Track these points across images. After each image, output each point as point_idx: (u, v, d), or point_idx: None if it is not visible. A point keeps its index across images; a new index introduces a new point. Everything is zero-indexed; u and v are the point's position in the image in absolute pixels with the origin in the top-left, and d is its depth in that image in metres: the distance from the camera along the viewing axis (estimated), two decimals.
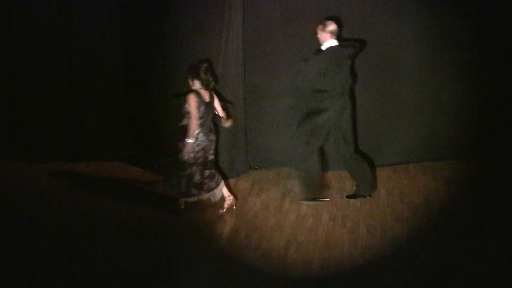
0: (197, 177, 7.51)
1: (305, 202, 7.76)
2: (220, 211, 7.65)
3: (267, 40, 8.57)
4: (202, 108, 7.39)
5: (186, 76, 7.52)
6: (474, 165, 8.77)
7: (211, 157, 7.58)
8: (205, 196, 7.60)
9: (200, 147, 7.44)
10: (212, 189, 7.57)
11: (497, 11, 8.40)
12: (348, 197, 7.92)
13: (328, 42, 7.51)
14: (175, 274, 6.39)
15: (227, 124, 7.69)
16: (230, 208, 7.68)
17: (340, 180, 8.38)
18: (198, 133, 7.41)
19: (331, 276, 6.22)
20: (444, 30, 8.49)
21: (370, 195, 7.88)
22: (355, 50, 7.68)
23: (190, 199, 7.59)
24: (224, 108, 7.70)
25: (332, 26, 7.48)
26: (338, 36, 7.56)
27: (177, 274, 6.42)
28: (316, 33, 7.55)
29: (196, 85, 7.47)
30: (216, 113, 7.59)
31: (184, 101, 7.41)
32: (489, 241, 6.74)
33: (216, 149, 7.68)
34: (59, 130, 9.28)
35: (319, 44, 7.57)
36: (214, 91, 7.63)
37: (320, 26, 7.52)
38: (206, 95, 7.46)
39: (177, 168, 7.51)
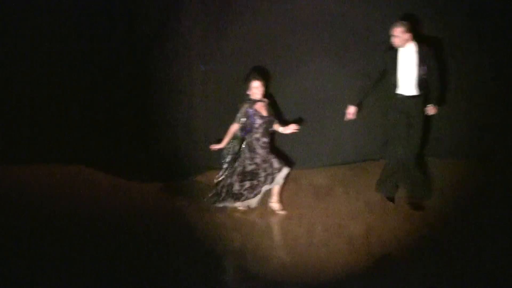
0: (236, 187, 7.55)
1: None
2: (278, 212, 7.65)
3: (238, 42, 8.53)
4: (254, 120, 7.52)
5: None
6: (429, 161, 8.88)
7: (251, 167, 7.58)
8: (237, 204, 7.63)
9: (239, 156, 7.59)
10: (248, 199, 7.58)
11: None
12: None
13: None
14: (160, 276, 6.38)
15: (287, 131, 7.70)
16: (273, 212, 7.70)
17: (296, 179, 8.45)
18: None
19: (288, 274, 6.27)
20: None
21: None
22: None
23: (221, 205, 7.63)
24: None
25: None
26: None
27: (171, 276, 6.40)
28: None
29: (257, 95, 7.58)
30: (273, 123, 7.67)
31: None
32: (445, 237, 6.88)
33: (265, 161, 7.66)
34: (19, 131, 9.11)
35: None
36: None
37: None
38: (262, 108, 7.58)
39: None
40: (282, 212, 7.60)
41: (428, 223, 7.20)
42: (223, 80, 8.54)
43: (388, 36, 7.51)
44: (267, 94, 7.72)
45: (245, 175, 7.54)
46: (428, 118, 7.79)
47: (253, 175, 7.54)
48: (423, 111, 7.60)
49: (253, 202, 7.58)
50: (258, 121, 7.52)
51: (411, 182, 7.71)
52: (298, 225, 7.27)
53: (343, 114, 7.76)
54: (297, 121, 7.95)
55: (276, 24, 8.43)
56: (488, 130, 8.70)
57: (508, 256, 6.45)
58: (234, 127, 7.56)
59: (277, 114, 8.06)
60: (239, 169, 7.56)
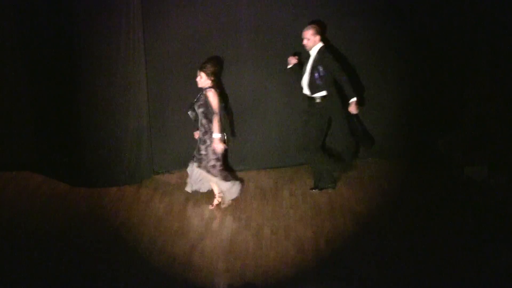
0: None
1: None
2: (210, 207, 7.72)
3: (170, 43, 8.49)
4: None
5: (200, 72, 7.56)
6: (376, 163, 8.98)
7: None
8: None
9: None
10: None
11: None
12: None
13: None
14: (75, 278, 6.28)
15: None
16: (218, 206, 7.76)
17: (243, 182, 8.42)
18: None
19: (236, 277, 6.24)
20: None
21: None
22: None
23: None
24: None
25: None
26: None
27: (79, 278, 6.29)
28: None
29: (210, 82, 7.55)
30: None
31: (205, 97, 7.49)
32: (391, 238, 6.94)
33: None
34: None
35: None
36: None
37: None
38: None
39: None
40: (211, 207, 7.75)
41: (375, 225, 7.26)
42: (164, 80, 8.53)
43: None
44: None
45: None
46: (356, 119, 8.07)
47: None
48: (321, 112, 7.85)
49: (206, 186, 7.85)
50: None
51: (317, 174, 8.15)
52: (246, 228, 7.25)
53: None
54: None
55: (203, 27, 8.46)
56: (416, 130, 8.96)
57: (442, 253, 6.58)
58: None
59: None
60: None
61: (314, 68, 7.76)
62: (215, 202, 7.79)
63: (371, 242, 6.87)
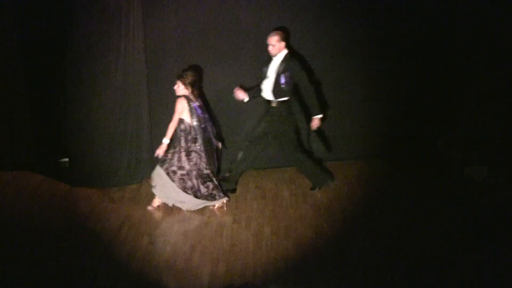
0: (203, 190, 7.65)
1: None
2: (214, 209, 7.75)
3: (170, 43, 8.48)
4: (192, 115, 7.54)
5: (178, 81, 7.59)
6: (376, 163, 8.98)
7: (207, 170, 7.68)
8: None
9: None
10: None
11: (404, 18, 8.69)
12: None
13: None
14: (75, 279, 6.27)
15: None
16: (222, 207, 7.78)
17: (243, 182, 8.42)
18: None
19: (236, 277, 6.24)
20: (342, 40, 8.71)
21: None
22: None
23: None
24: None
25: None
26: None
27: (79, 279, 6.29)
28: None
29: (187, 92, 7.57)
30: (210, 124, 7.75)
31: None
32: (391, 238, 6.95)
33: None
34: None
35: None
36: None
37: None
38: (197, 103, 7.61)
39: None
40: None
41: (376, 225, 7.27)
42: (164, 80, 8.51)
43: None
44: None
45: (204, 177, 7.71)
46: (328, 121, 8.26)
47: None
48: (283, 117, 7.85)
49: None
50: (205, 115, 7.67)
51: (309, 174, 8.17)
52: (246, 228, 7.25)
53: None
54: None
55: (203, 27, 8.45)
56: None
57: (442, 253, 6.60)
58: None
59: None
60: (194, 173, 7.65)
61: (279, 74, 7.74)
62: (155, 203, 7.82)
63: (371, 242, 6.86)
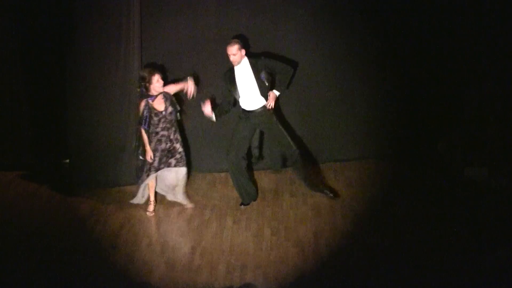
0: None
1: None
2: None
3: (169, 44, 8.48)
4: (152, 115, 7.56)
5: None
6: (376, 164, 8.97)
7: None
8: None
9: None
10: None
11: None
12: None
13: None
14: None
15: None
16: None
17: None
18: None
19: (236, 278, 6.24)
20: (342, 41, 8.70)
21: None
22: None
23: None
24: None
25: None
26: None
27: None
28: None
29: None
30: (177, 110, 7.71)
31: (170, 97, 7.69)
32: (391, 239, 6.94)
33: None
34: None
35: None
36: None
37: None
38: (161, 102, 7.60)
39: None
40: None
41: (375, 225, 7.26)
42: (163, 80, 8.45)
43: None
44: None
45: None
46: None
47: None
48: (270, 113, 7.65)
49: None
50: (155, 118, 7.57)
51: (302, 178, 7.98)
52: (246, 229, 7.25)
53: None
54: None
55: (202, 28, 8.45)
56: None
57: (442, 253, 6.59)
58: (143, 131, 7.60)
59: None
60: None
61: (257, 76, 7.57)
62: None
63: (371, 243, 6.86)
